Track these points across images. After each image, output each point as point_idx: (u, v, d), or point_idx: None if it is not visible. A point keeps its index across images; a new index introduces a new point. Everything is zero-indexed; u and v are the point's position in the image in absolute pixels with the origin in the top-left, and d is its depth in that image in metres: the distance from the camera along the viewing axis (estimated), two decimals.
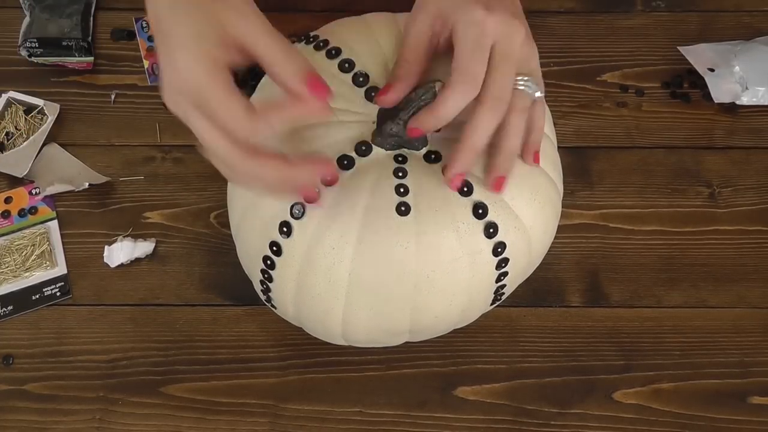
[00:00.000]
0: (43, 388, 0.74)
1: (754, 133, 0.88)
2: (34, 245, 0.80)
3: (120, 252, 0.79)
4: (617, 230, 0.82)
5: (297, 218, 0.59)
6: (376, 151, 0.60)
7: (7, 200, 0.83)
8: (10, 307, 0.77)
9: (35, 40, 0.89)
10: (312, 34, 0.66)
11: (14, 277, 0.79)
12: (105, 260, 0.80)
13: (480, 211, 0.59)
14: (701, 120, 0.89)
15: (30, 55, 0.90)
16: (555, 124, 0.88)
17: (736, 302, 0.79)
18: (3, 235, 0.81)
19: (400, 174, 0.59)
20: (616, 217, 0.83)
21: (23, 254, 0.80)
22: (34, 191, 0.83)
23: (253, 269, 0.66)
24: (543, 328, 0.77)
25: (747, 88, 0.88)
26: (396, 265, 0.59)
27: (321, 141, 0.60)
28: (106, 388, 0.74)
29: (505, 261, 0.61)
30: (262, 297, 0.68)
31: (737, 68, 0.88)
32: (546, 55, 0.93)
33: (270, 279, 0.63)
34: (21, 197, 0.83)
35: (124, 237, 0.81)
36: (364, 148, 0.60)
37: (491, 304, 0.67)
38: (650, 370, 0.75)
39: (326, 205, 0.58)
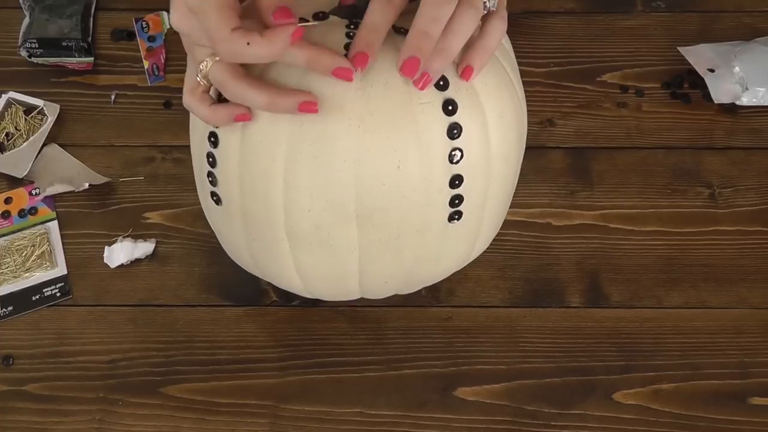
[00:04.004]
0: (43, 389, 0.74)
1: (754, 133, 0.88)
2: (34, 246, 0.80)
3: (120, 252, 0.79)
4: (617, 231, 0.82)
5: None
6: (333, 18, 0.60)
7: (7, 201, 0.83)
8: (10, 308, 0.77)
9: (35, 41, 0.89)
10: None
11: (14, 277, 0.79)
12: (105, 261, 0.80)
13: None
14: (701, 120, 0.89)
15: (30, 56, 0.90)
16: (555, 124, 0.89)
17: (736, 303, 0.79)
18: (3, 235, 0.81)
19: (351, 27, 0.59)
20: (616, 218, 0.83)
21: (23, 255, 0.80)
22: (34, 192, 0.83)
23: (198, 161, 0.65)
24: (543, 329, 0.77)
25: (747, 89, 0.88)
26: (337, 106, 0.57)
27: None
28: (106, 388, 0.74)
29: (458, 128, 0.58)
30: (211, 199, 0.65)
31: (737, 69, 0.88)
32: (546, 55, 0.93)
33: (214, 163, 0.62)
34: (21, 198, 0.83)
35: (124, 237, 0.81)
36: (321, 15, 0.60)
37: (450, 207, 0.61)
38: (650, 370, 0.75)
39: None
